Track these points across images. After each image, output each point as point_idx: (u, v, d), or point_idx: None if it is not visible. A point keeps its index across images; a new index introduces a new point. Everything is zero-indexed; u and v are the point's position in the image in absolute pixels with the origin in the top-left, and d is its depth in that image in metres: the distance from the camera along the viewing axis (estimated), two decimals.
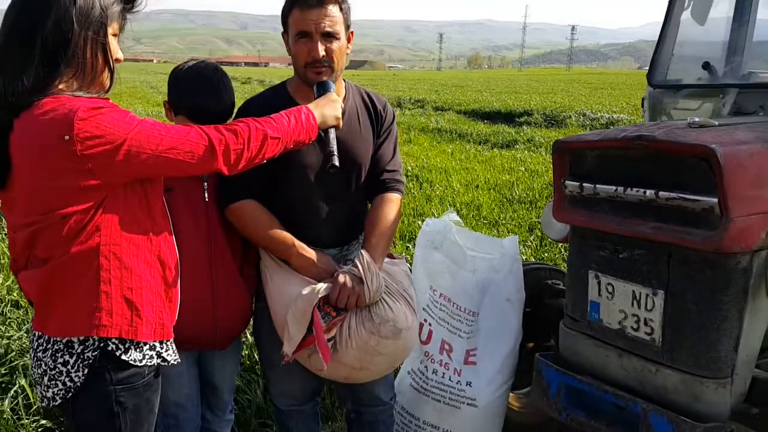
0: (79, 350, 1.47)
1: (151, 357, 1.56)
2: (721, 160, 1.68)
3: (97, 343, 1.47)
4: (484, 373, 2.44)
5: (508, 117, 17.14)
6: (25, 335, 3.23)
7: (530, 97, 23.20)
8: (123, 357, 1.50)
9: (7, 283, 3.92)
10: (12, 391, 2.79)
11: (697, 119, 1.97)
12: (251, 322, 2.20)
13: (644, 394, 1.98)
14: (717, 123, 1.96)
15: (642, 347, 1.99)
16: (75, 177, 1.38)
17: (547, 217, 2.58)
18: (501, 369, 2.45)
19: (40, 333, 1.51)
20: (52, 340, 1.48)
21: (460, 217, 6.24)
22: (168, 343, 1.62)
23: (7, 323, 3.43)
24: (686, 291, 1.86)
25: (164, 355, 1.60)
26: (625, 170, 1.98)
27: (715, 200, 1.72)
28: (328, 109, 1.80)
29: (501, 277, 2.58)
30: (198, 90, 1.92)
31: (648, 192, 1.88)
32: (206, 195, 1.96)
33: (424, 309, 2.54)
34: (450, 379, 2.45)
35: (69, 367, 1.47)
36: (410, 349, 2.01)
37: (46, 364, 1.49)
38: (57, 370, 1.48)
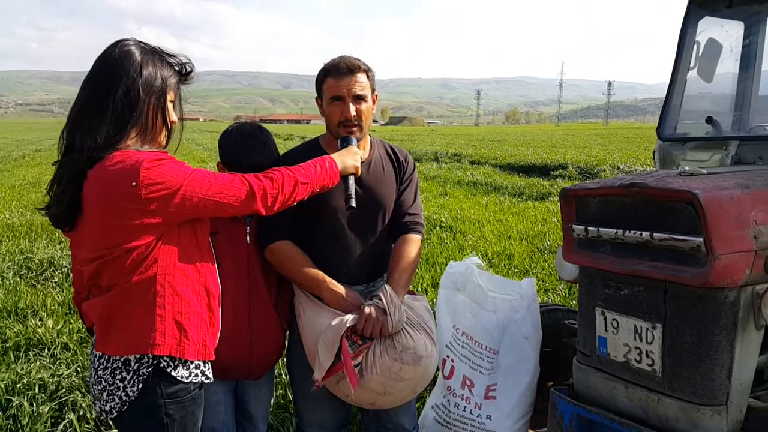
0: (135, 367, 1.72)
1: (197, 375, 1.81)
2: (704, 203, 1.88)
3: (151, 360, 1.72)
4: (503, 407, 2.61)
5: (544, 170, 17.32)
6: (74, 373, 3.51)
7: (566, 151, 23.37)
8: (173, 373, 1.74)
9: (58, 327, 4.24)
10: (61, 425, 3.06)
11: (687, 168, 2.18)
12: (284, 355, 2.43)
13: (648, 422, 2.13)
14: (705, 171, 2.16)
15: (645, 378, 2.15)
16: (139, 216, 1.66)
17: (559, 260, 2.78)
18: (519, 403, 2.61)
19: (101, 354, 1.77)
20: (111, 359, 1.73)
21: (491, 266, 6.43)
22: (209, 363, 1.87)
23: (57, 363, 3.73)
24: (681, 324, 2.03)
25: (207, 373, 1.85)
26: (624, 214, 2.18)
27: (701, 240, 1.91)
28: (349, 159, 2.11)
29: (519, 316, 2.77)
30: (250, 150, 2.20)
31: (644, 234, 2.08)
32: (248, 238, 2.24)
33: (447, 346, 2.74)
34: (471, 413, 2.62)
35: (126, 382, 1.72)
36: (430, 377, 2.20)
37: (105, 381, 1.74)
38: (115, 385, 1.72)
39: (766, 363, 2.20)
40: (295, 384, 2.43)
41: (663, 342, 2.08)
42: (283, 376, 3.50)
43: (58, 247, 6.93)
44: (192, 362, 1.80)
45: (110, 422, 1.93)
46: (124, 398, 1.73)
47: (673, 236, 2.00)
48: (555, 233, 8.06)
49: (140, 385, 1.72)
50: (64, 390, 3.29)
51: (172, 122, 1.85)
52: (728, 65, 3.52)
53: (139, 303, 1.72)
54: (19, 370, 3.43)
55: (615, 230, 2.19)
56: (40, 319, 4.34)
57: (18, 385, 3.27)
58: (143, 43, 1.81)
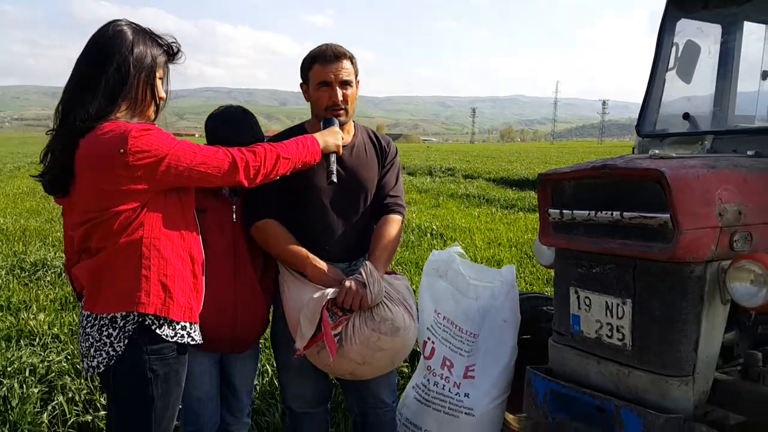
0: (121, 324, 1.80)
1: (182, 336, 1.89)
2: (670, 180, 1.98)
3: (136, 318, 1.81)
4: (481, 386, 2.68)
5: (537, 184, 17.41)
6: (65, 360, 3.59)
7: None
8: (157, 331, 1.83)
9: (48, 319, 4.33)
10: (50, 407, 3.14)
11: (657, 151, 2.28)
12: (268, 332, 2.50)
13: (620, 395, 2.20)
14: (674, 155, 2.26)
15: (616, 353, 2.22)
16: (126, 182, 1.76)
17: (537, 246, 2.86)
18: (497, 382, 2.68)
19: (89, 313, 1.85)
20: (99, 316, 1.82)
21: None
22: (195, 326, 1.96)
23: (48, 350, 3.81)
24: (650, 299, 2.12)
25: (193, 335, 1.93)
26: (596, 196, 2.27)
27: (668, 216, 2.01)
28: (330, 138, 2.22)
29: (499, 302, 2.85)
30: (236, 132, 2.28)
31: (615, 213, 2.18)
32: (234, 216, 2.32)
33: (428, 328, 2.82)
34: (450, 391, 2.69)
35: (112, 338, 1.80)
36: (407, 349, 2.28)
37: (93, 338, 1.82)
38: (102, 341, 1.81)
39: (734, 340, 2.28)
40: (278, 359, 2.50)
41: (633, 317, 2.16)
42: (269, 367, 3.56)
43: (51, 249, 6.99)
44: (177, 323, 1.88)
45: (97, 378, 1.99)
46: (111, 353, 1.80)
47: (642, 214, 2.09)
48: None
49: (126, 341, 1.80)
50: (54, 374, 3.35)
51: (160, 98, 1.96)
52: (707, 66, 3.63)
53: (125, 264, 1.80)
54: (9, 356, 3.49)
55: (588, 212, 2.28)
56: (32, 314, 4.39)
57: (9, 369, 3.33)
58: (135, 23, 1.92)
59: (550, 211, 2.45)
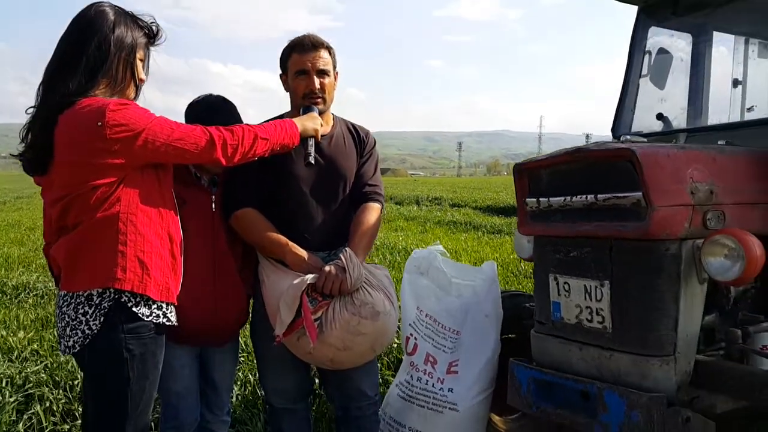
0: (97, 302, 1.78)
1: (158, 316, 1.87)
2: (640, 158, 2.01)
3: (113, 295, 1.79)
4: (464, 381, 2.66)
5: None
6: (43, 370, 3.53)
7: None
8: (134, 309, 1.81)
9: (29, 336, 4.28)
10: (25, 416, 3.08)
11: (629, 137, 2.32)
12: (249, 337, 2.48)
13: (602, 379, 2.19)
14: (645, 140, 2.31)
15: (596, 337, 2.23)
16: (104, 155, 1.77)
17: (517, 239, 2.88)
18: (480, 377, 2.66)
19: (65, 292, 1.83)
20: (75, 294, 1.80)
21: None
22: (172, 306, 1.94)
23: (27, 362, 3.75)
24: (627, 278, 2.13)
25: (168, 315, 1.91)
26: (571, 182, 2.30)
27: (640, 194, 2.03)
28: (309, 122, 2.25)
29: (481, 297, 2.85)
30: (214, 120, 2.30)
31: (589, 197, 2.20)
32: (213, 206, 2.32)
33: (410, 325, 2.80)
34: (433, 386, 2.66)
35: (88, 316, 1.78)
36: (387, 334, 2.26)
37: (69, 317, 1.80)
38: (78, 320, 1.79)
39: (716, 322, 2.28)
40: (258, 352, 2.48)
41: (611, 298, 2.17)
42: (251, 376, 3.51)
43: (33, 273, 6.91)
44: (154, 302, 1.86)
45: (73, 358, 1.96)
46: (87, 332, 1.78)
47: (616, 194, 2.12)
48: None
49: (102, 319, 1.77)
50: (31, 384, 3.28)
51: (140, 80, 1.97)
52: (680, 73, 3.72)
53: (102, 239, 1.79)
54: None
55: (563, 197, 2.31)
56: (12, 332, 4.33)
57: None
58: (117, 6, 1.95)
59: (528, 200, 2.47)
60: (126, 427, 1.81)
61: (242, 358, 3.71)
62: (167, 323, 1.91)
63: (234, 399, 3.33)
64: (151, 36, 2.00)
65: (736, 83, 3.72)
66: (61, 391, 3.25)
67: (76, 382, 3.29)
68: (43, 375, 3.39)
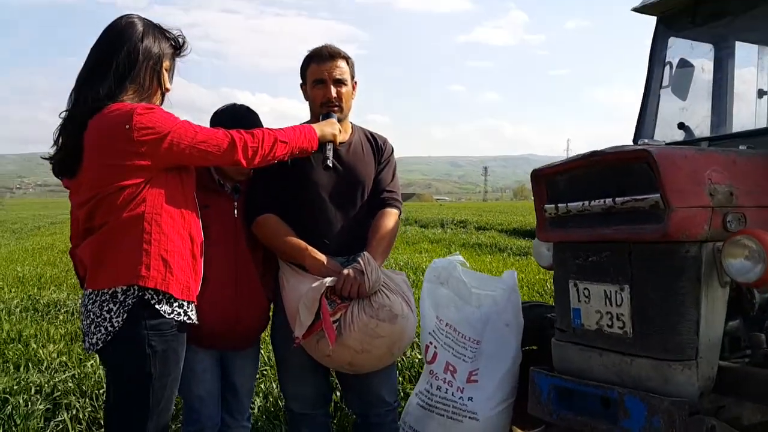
0: (121, 299, 1.83)
1: (179, 314, 1.92)
2: (657, 158, 2.01)
3: (137, 292, 1.84)
4: (484, 390, 2.64)
5: None
6: (71, 379, 3.61)
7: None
8: (156, 306, 1.86)
9: (58, 348, 4.39)
10: (53, 423, 3.15)
11: (647, 140, 2.32)
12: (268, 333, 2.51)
13: (624, 385, 2.17)
14: (664, 143, 2.30)
15: (617, 342, 2.20)
16: (131, 157, 1.84)
17: (536, 247, 2.87)
18: (500, 386, 2.64)
19: (91, 290, 1.89)
20: (100, 292, 1.85)
21: None
22: (192, 305, 1.99)
23: (56, 372, 3.85)
24: (647, 282, 2.11)
25: (189, 313, 1.96)
26: (589, 186, 2.30)
27: (658, 196, 2.03)
28: (327, 127, 2.30)
29: (501, 307, 2.84)
30: (239, 123, 2.34)
31: (607, 201, 2.20)
32: (236, 212, 2.37)
33: (430, 333, 2.80)
34: (453, 395, 2.65)
35: (112, 313, 1.83)
36: (406, 338, 2.27)
37: (93, 314, 1.85)
38: (102, 317, 1.84)
39: (740, 328, 2.24)
40: (278, 357, 2.50)
41: (631, 303, 2.15)
42: (274, 386, 3.53)
43: (65, 292, 7.07)
44: (176, 300, 1.91)
45: (97, 355, 2.01)
46: (110, 329, 1.83)
47: (634, 197, 2.12)
48: None
49: (125, 315, 1.82)
50: (59, 393, 3.36)
51: (166, 88, 2.06)
52: (703, 82, 3.68)
53: (127, 238, 1.85)
54: (16, 378, 3.51)
55: (581, 203, 2.30)
56: (43, 345, 4.43)
57: (15, 388, 3.34)
58: (145, 18, 2.04)
59: (546, 206, 2.47)
60: (148, 423, 1.84)
61: (265, 371, 3.74)
62: (188, 321, 1.96)
63: (256, 410, 3.35)
64: (178, 47, 2.09)
65: (761, 93, 3.68)
66: (87, 400, 3.33)
67: (101, 391, 3.35)
68: (71, 384, 3.47)
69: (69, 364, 3.98)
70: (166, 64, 2.03)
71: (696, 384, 2.04)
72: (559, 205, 2.41)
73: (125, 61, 1.93)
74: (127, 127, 1.81)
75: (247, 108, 2.45)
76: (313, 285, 2.17)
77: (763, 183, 2.20)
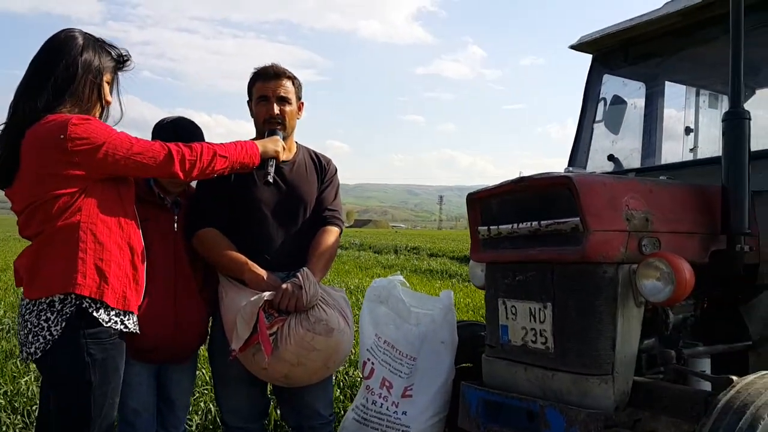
0: (59, 308, 1.85)
1: (116, 322, 1.94)
2: (577, 185, 2.15)
3: (74, 300, 1.86)
4: (418, 404, 2.71)
5: None
6: (2, 395, 3.50)
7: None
8: (94, 314, 1.88)
9: None
10: None
11: (571, 168, 2.47)
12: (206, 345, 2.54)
13: (546, 398, 2.27)
14: (587, 171, 2.46)
15: (540, 357, 2.32)
16: (65, 167, 1.87)
17: (471, 269, 2.99)
18: (433, 400, 2.72)
19: (28, 300, 1.90)
20: (37, 302, 1.87)
21: None
22: (131, 315, 2.01)
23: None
24: (567, 300, 2.24)
25: (127, 323, 1.98)
26: (518, 210, 2.43)
27: (578, 219, 2.17)
28: (270, 144, 2.37)
29: (438, 325, 2.93)
30: (176, 138, 2.41)
31: (533, 223, 2.33)
32: (176, 225, 2.42)
33: (368, 350, 2.87)
34: (387, 409, 2.72)
35: (50, 322, 1.85)
36: (341, 352, 2.33)
37: (31, 323, 1.87)
38: (40, 326, 1.85)
39: (656, 346, 2.39)
40: (215, 370, 2.53)
41: (553, 320, 2.27)
42: (212, 406, 3.52)
43: (1, 310, 6.85)
44: (112, 309, 1.93)
45: (35, 365, 2.01)
46: (48, 337, 1.84)
47: (557, 220, 2.25)
48: None
49: (63, 324, 1.85)
50: None
51: (106, 101, 2.10)
52: (635, 118, 3.90)
53: (63, 246, 1.88)
54: None
55: (511, 225, 2.43)
56: None
57: None
58: (87, 33, 2.09)
59: (479, 228, 2.60)
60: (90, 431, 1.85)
61: (206, 390, 3.73)
62: (125, 330, 1.98)
63: (194, 427, 3.34)
64: (120, 61, 2.13)
65: (688, 131, 3.92)
66: (19, 417, 3.25)
67: (33, 408, 3.29)
68: (2, 401, 3.39)
69: (1, 380, 3.88)
70: (107, 77, 2.07)
71: (612, 397, 2.16)
72: (491, 227, 2.53)
73: (64, 74, 1.96)
74: (62, 137, 1.85)
75: (189, 121, 2.50)
76: (252, 298, 2.22)
77: (678, 211, 2.36)
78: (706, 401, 1.97)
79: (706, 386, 2.21)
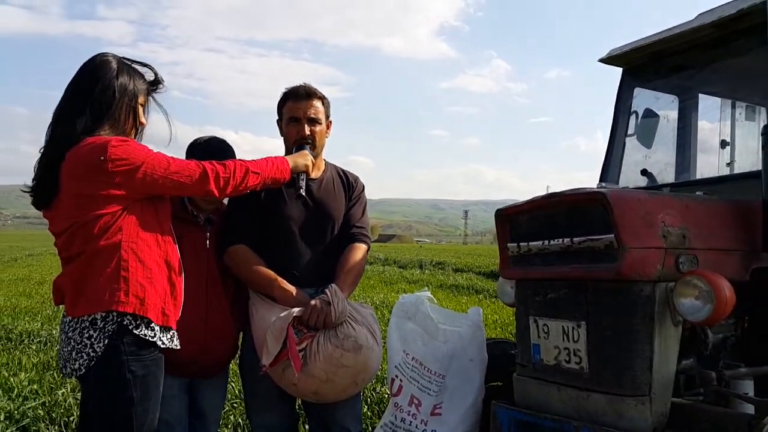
0: (101, 325, 1.88)
1: (157, 338, 1.96)
2: (610, 200, 2.10)
3: (116, 318, 1.89)
4: (447, 423, 2.67)
5: None
6: (40, 407, 3.56)
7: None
8: (135, 331, 1.90)
9: (29, 376, 4.34)
10: None
11: (603, 184, 2.43)
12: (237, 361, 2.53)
13: (581, 419, 2.22)
14: (620, 186, 2.41)
15: (574, 378, 2.26)
16: (106, 187, 1.91)
17: (500, 286, 2.95)
18: (463, 419, 2.68)
19: (71, 318, 1.93)
20: (80, 319, 1.90)
21: None
22: (171, 331, 2.03)
23: (26, 400, 3.79)
24: (602, 319, 2.19)
25: (164, 339, 2.00)
26: (549, 226, 2.39)
27: (612, 236, 2.12)
28: (300, 159, 2.39)
29: (466, 342, 2.89)
30: (208, 157, 2.44)
31: (565, 240, 2.29)
32: (208, 243, 2.43)
33: (396, 367, 2.84)
34: (416, 427, 2.68)
35: (93, 340, 1.88)
36: (370, 368, 2.32)
37: (74, 341, 1.90)
38: (83, 343, 1.88)
39: (695, 367, 2.31)
40: (246, 386, 2.54)
41: (587, 339, 2.22)
42: (241, 420, 3.52)
43: (39, 323, 7.01)
44: (153, 325, 1.95)
45: (77, 381, 2.04)
46: (92, 354, 1.87)
47: (590, 237, 2.21)
48: None
49: (106, 341, 1.87)
50: (29, 420, 3.36)
51: (141, 123, 2.13)
52: (668, 131, 3.82)
53: (105, 265, 1.91)
54: None
55: (542, 241, 2.39)
56: (14, 373, 4.40)
57: None
58: (120, 56, 2.13)
59: (509, 245, 2.56)
60: None
61: (235, 403, 3.74)
62: (164, 346, 2.00)
63: None
64: (153, 84, 2.17)
65: (723, 144, 3.82)
66: (56, 427, 3.30)
67: (71, 419, 3.34)
68: (41, 411, 3.45)
69: (40, 392, 3.96)
70: (141, 99, 2.11)
71: (649, 419, 2.09)
72: (520, 243, 2.49)
73: (100, 97, 2.00)
74: (102, 158, 1.88)
75: (222, 140, 2.53)
76: (281, 314, 2.22)
77: (716, 227, 2.30)
78: (750, 424, 1.90)
79: (749, 409, 2.13)
